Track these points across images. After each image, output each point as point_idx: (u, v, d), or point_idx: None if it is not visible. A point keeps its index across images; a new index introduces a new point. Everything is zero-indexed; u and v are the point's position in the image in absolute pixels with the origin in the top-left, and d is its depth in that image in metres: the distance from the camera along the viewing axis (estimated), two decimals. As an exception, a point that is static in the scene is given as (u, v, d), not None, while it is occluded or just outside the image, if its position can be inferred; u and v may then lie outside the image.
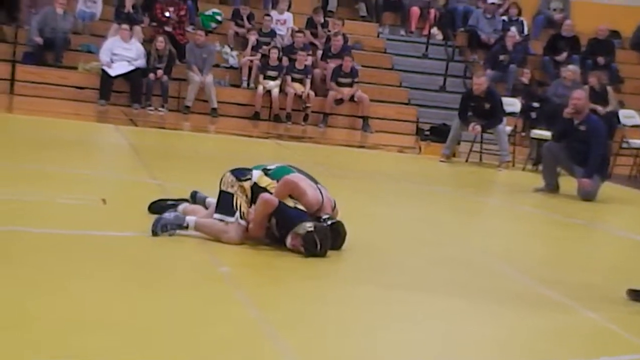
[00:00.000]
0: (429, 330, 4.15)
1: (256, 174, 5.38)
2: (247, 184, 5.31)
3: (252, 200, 5.28)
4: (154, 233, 5.16)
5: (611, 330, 4.41)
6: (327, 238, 5.12)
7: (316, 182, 5.48)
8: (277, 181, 5.30)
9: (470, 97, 11.58)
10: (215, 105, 14.19)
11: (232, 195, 5.27)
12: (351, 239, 5.37)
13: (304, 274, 4.89)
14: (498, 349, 3.99)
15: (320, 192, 5.38)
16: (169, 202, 5.77)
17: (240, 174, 5.36)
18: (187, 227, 5.28)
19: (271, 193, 5.24)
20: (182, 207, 5.68)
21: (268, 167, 5.47)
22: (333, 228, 5.23)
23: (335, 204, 5.48)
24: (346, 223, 5.37)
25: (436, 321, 4.31)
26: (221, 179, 5.38)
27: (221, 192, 5.33)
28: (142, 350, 3.39)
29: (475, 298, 4.72)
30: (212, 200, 5.59)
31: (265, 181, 5.34)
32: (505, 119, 11.66)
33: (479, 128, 11.29)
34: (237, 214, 5.21)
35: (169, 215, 5.30)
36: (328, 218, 5.28)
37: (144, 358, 3.33)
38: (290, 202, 5.26)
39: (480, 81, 11.47)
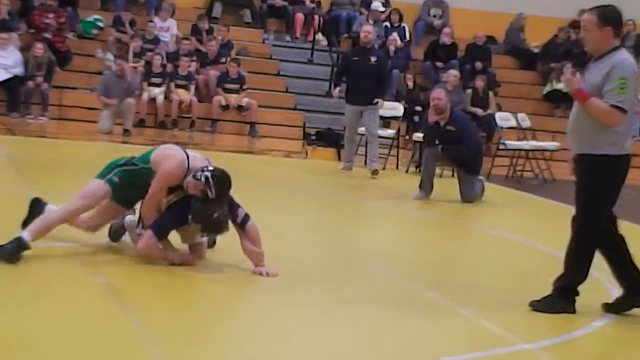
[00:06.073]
0: (315, 337, 4.20)
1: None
2: None
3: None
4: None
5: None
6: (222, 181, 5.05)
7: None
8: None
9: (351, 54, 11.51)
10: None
11: None
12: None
13: (189, 282, 4.86)
14: (376, 349, 4.09)
15: (186, 153, 5.27)
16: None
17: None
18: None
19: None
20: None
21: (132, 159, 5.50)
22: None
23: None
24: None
25: (320, 328, 4.36)
26: None
27: None
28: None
29: (360, 303, 4.80)
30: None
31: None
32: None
33: None
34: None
35: None
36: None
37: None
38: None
39: (368, 29, 11.26)
